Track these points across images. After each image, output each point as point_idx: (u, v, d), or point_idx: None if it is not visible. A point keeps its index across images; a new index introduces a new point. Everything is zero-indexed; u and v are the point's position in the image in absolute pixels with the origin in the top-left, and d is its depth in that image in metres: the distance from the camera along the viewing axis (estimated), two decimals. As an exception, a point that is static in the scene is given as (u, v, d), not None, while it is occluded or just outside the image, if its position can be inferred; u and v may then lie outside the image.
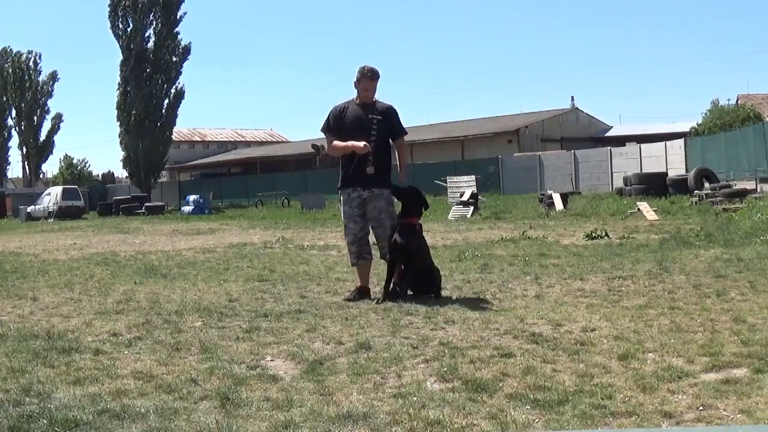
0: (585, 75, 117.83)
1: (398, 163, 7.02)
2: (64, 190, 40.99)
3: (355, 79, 6.75)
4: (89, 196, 46.41)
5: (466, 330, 5.07)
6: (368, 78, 6.68)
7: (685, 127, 40.46)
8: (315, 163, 48.46)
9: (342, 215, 6.95)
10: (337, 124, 6.79)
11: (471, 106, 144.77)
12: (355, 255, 6.82)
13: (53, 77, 63.56)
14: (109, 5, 45.37)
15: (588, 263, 8.15)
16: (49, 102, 63.65)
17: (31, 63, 63.05)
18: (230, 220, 25.53)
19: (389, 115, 6.81)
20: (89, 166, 71.86)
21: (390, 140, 6.92)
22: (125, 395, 3.81)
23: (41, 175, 67.80)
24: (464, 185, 26.36)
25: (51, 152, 64.80)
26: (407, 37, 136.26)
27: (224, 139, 69.90)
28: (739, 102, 41.21)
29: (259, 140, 70.30)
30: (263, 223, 21.94)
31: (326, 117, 6.89)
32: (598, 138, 47.09)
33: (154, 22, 45.39)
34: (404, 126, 6.98)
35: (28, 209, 39.36)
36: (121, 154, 46.78)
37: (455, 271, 8.05)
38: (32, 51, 63.53)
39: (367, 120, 6.67)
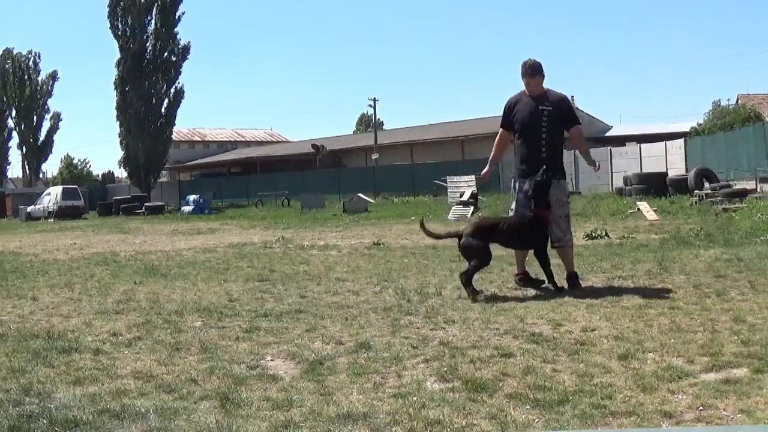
0: (585, 75, 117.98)
1: (580, 151, 7.27)
2: (64, 190, 40.90)
3: (520, 73, 6.98)
4: (89, 196, 46.34)
5: (466, 330, 5.07)
6: (528, 75, 6.90)
7: (685, 127, 40.41)
8: (315, 163, 48.47)
9: (514, 202, 7.08)
10: (508, 119, 7.05)
11: (471, 106, 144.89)
12: None
13: (53, 77, 63.67)
14: (108, 5, 45.42)
15: (588, 263, 8.15)
16: (49, 102, 63.84)
17: (30, 63, 63.14)
18: (230, 220, 25.52)
19: (561, 106, 6.97)
20: (89, 166, 71.97)
21: (564, 130, 7.07)
22: (125, 395, 3.81)
23: (41, 175, 67.81)
24: (464, 185, 26.35)
25: (51, 152, 64.95)
26: (407, 38, 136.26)
27: (224, 139, 69.91)
28: (739, 102, 41.20)
29: (259, 140, 70.31)
30: (263, 223, 21.93)
31: (503, 111, 7.13)
32: (598, 138, 47.04)
33: (153, 22, 45.43)
34: (576, 116, 7.15)
35: (28, 209, 39.33)
36: (121, 154, 46.88)
37: (455, 271, 8.05)
38: (32, 51, 63.74)
39: (537, 112, 6.85)
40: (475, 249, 6.57)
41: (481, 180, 7.70)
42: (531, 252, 6.90)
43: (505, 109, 7.12)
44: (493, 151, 7.43)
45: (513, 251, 7.27)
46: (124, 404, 3.62)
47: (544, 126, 6.82)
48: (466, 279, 6.42)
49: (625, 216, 16.50)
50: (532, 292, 6.57)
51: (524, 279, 6.93)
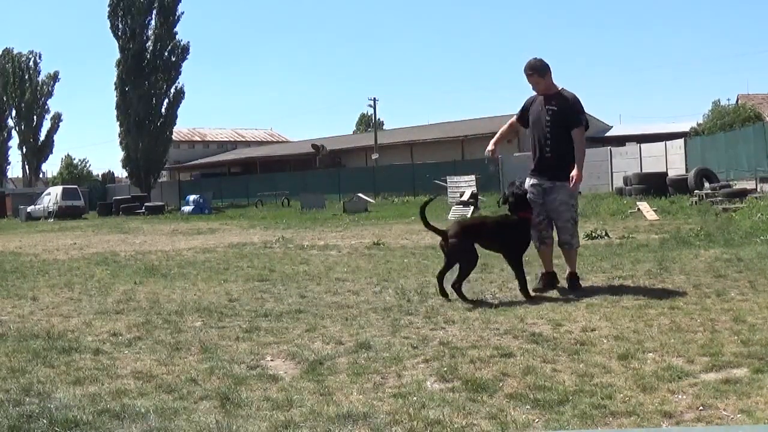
0: (585, 75, 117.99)
1: (575, 155, 6.74)
2: (64, 190, 40.88)
3: None
4: (89, 196, 46.32)
5: (466, 330, 5.07)
6: (527, 75, 6.84)
7: (685, 127, 40.43)
8: (315, 163, 48.48)
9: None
10: (522, 114, 7.09)
11: (471, 106, 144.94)
12: (536, 239, 6.86)
13: (54, 77, 63.66)
14: (108, 5, 45.46)
15: (588, 263, 8.14)
16: (49, 102, 63.84)
17: (31, 63, 63.14)
18: (230, 220, 25.51)
19: (566, 106, 6.74)
20: (89, 166, 72.02)
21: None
22: (125, 395, 3.81)
23: (41, 175, 67.82)
24: (464, 185, 26.32)
25: (51, 152, 64.96)
26: (407, 38, 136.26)
27: (224, 139, 69.93)
28: (739, 102, 41.21)
29: (259, 140, 70.33)
30: (263, 223, 21.92)
31: (521, 106, 7.18)
32: (598, 138, 47.07)
33: (153, 22, 45.47)
34: (584, 117, 6.86)
35: (28, 209, 39.32)
36: (121, 154, 46.91)
37: (455, 272, 8.03)
38: (32, 51, 63.74)
39: (543, 112, 6.79)
40: (461, 250, 6.52)
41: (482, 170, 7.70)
42: (539, 254, 6.83)
43: (523, 105, 7.14)
44: (499, 131, 7.42)
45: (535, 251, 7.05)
46: (124, 404, 3.62)
47: (548, 127, 6.73)
48: (458, 286, 6.36)
49: (625, 216, 16.50)
50: (532, 292, 6.56)
51: (549, 280, 6.81)
